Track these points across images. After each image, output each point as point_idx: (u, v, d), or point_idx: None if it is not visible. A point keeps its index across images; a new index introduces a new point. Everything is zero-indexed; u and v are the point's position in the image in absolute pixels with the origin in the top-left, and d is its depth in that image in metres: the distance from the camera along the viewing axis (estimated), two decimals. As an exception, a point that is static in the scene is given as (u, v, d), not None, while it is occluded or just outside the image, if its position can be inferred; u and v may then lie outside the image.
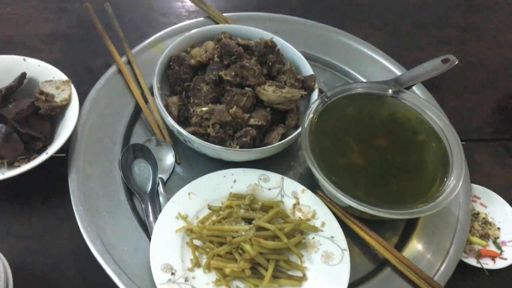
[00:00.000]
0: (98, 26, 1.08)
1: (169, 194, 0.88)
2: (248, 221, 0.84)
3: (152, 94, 0.96)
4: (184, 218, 0.84)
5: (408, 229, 0.92)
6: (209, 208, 0.87)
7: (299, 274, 0.82)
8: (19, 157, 0.87)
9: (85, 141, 0.93)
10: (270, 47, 0.99)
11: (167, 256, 0.79)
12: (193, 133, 0.90)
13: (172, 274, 0.77)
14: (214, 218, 0.85)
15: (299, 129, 0.90)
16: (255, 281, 0.79)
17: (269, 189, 0.90)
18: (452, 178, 0.85)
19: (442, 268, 0.86)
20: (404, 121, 0.95)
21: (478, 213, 0.96)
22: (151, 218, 0.86)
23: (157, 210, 0.87)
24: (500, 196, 0.96)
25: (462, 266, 0.88)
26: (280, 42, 1.03)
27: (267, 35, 1.02)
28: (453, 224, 0.91)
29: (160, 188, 0.91)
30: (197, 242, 0.82)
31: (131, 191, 0.90)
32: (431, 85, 1.12)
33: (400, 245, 0.90)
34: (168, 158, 0.95)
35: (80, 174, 0.88)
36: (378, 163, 0.89)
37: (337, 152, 0.90)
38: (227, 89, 0.94)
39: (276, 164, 0.96)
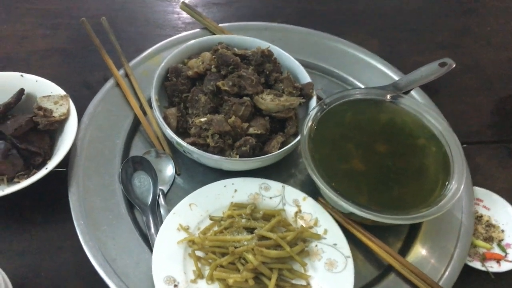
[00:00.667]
0: (95, 41, 1.08)
1: (170, 206, 0.88)
2: (250, 230, 0.84)
3: (151, 106, 0.96)
4: (186, 229, 0.84)
5: (411, 234, 0.91)
6: (211, 218, 0.86)
7: (303, 282, 0.81)
8: (19, 173, 0.87)
9: (84, 155, 0.92)
10: (267, 56, 0.99)
11: (170, 268, 0.79)
12: (193, 144, 0.90)
13: (175, 286, 0.77)
14: (215, 228, 0.85)
15: (299, 137, 0.90)
16: (258, 291, 0.78)
17: (270, 197, 0.90)
18: (453, 182, 0.84)
19: (447, 272, 0.85)
20: (404, 125, 0.95)
21: (481, 216, 0.96)
22: (152, 230, 0.85)
23: (158, 222, 0.87)
24: (503, 198, 0.95)
25: (467, 270, 0.87)
26: (277, 50, 1.03)
27: (264, 44, 1.02)
28: (456, 227, 0.91)
29: (161, 200, 0.90)
30: (199, 253, 0.82)
31: (132, 203, 0.90)
32: (429, 89, 1.12)
33: (404, 250, 0.89)
34: (168, 170, 0.95)
35: (80, 188, 0.88)
36: (379, 168, 0.89)
37: (337, 158, 0.89)
38: (225, 99, 0.94)
39: (277, 173, 0.96)
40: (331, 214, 0.88)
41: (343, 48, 1.19)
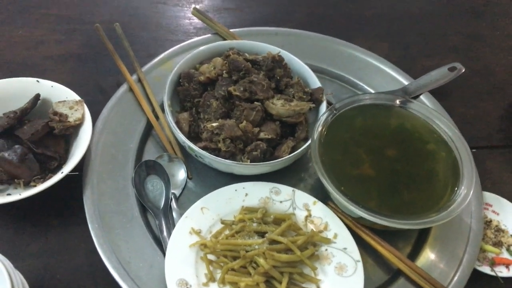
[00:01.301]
0: (109, 46, 1.10)
1: (182, 210, 0.89)
2: (261, 234, 0.85)
3: (163, 111, 0.97)
4: (198, 233, 0.85)
5: (420, 238, 0.92)
6: (222, 222, 0.88)
7: (313, 286, 0.82)
8: (35, 177, 0.89)
9: (98, 159, 0.94)
10: (278, 61, 1.00)
11: (182, 271, 0.80)
12: (204, 148, 0.91)
13: (187, 289, 0.78)
14: (227, 232, 0.86)
15: (309, 142, 0.91)
16: (269, 295, 0.80)
17: (281, 201, 0.91)
18: (462, 187, 0.85)
19: (456, 277, 0.86)
20: (413, 131, 0.95)
21: (490, 221, 0.96)
22: (165, 233, 0.87)
23: (171, 225, 0.88)
24: (512, 202, 0.96)
25: (476, 275, 0.88)
26: (287, 55, 1.04)
27: (274, 50, 1.04)
28: (465, 232, 0.91)
29: (173, 204, 0.92)
30: (211, 257, 0.83)
31: (145, 207, 0.91)
32: (438, 93, 1.13)
33: (413, 255, 0.90)
34: (180, 174, 0.97)
35: (95, 192, 0.90)
36: (389, 173, 0.90)
37: (347, 163, 0.90)
38: (236, 104, 0.95)
39: (287, 177, 0.97)
40: (341, 219, 0.89)
41: (353, 53, 1.20)
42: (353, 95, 1.00)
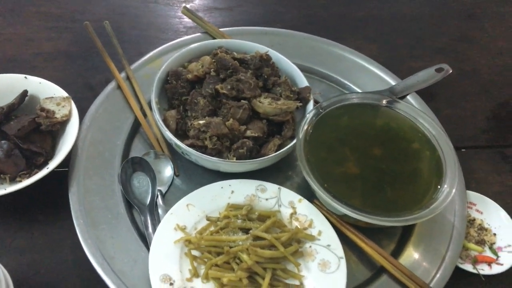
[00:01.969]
0: (98, 44, 1.11)
1: (168, 206, 0.89)
2: (246, 231, 0.86)
3: (151, 108, 0.98)
4: (183, 229, 0.85)
5: (404, 236, 0.93)
6: (207, 219, 0.88)
7: (296, 282, 0.82)
8: (21, 172, 0.89)
9: (85, 155, 0.95)
10: (265, 60, 1.01)
11: (166, 267, 0.81)
12: (191, 145, 0.92)
13: (171, 284, 0.79)
14: (212, 228, 0.87)
15: (295, 140, 0.91)
16: (252, 290, 0.80)
17: (266, 199, 0.92)
18: (445, 185, 0.86)
19: (438, 274, 0.86)
20: (399, 130, 0.96)
21: (474, 219, 0.97)
22: (150, 230, 0.87)
23: (156, 222, 0.89)
24: (496, 202, 0.97)
25: (458, 273, 0.88)
26: (275, 55, 1.05)
27: (262, 49, 1.04)
28: (448, 230, 0.92)
29: (159, 200, 0.92)
30: (195, 253, 0.84)
31: (131, 203, 0.92)
32: (426, 94, 1.14)
33: (397, 252, 0.90)
34: (167, 171, 0.97)
35: (81, 188, 0.90)
36: (373, 172, 0.90)
37: (333, 161, 0.91)
38: (223, 102, 0.96)
39: (274, 175, 0.97)
40: (325, 216, 0.90)
41: (341, 53, 1.21)
42: (340, 94, 1.01)
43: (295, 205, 0.91)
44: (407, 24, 1.41)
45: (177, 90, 1.00)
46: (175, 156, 0.99)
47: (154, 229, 0.86)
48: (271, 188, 0.93)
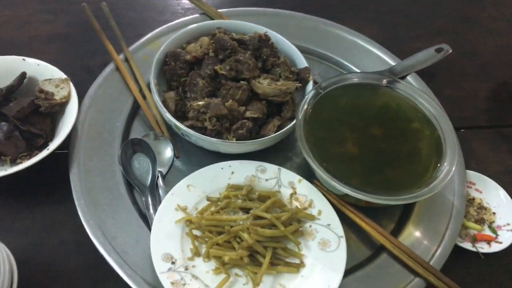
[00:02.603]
0: (96, 26, 1.10)
1: (168, 187, 0.89)
2: (246, 211, 0.86)
3: (150, 90, 0.97)
4: (184, 209, 0.86)
5: (404, 215, 0.93)
6: (208, 199, 0.88)
7: (297, 261, 0.83)
8: (21, 154, 0.89)
9: (85, 137, 0.94)
10: (264, 40, 1.00)
11: (167, 246, 0.81)
12: (190, 127, 0.91)
13: (173, 263, 0.79)
14: (212, 208, 0.87)
15: (295, 121, 0.91)
16: (253, 269, 0.81)
17: (266, 179, 0.92)
18: (445, 164, 0.86)
19: (438, 252, 0.87)
20: (398, 110, 0.96)
21: (473, 199, 0.97)
22: (151, 210, 0.87)
23: (157, 202, 0.89)
24: (495, 181, 0.97)
25: (457, 251, 0.89)
26: (274, 35, 1.04)
27: (261, 29, 1.04)
28: (448, 209, 0.92)
29: (160, 181, 0.93)
30: (196, 232, 0.84)
31: (131, 184, 0.92)
32: (426, 74, 1.14)
33: (396, 231, 0.91)
34: (167, 152, 0.97)
35: (81, 169, 0.90)
36: (373, 151, 0.90)
37: (332, 141, 0.91)
38: (222, 83, 0.95)
39: (273, 156, 0.98)
40: (325, 196, 0.90)
41: (341, 34, 1.20)
42: (340, 74, 1.01)
43: (295, 185, 0.91)
44: (407, 4, 1.39)
45: (176, 72, 0.99)
46: (175, 138, 0.99)
47: (155, 210, 0.87)
48: (271, 168, 0.93)
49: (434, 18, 1.36)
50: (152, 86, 0.94)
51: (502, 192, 0.95)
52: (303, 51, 1.06)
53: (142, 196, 0.90)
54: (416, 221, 0.92)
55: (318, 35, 1.19)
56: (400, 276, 0.85)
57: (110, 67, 1.05)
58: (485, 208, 0.96)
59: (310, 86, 0.99)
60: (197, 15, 1.20)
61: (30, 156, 0.89)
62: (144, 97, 1.03)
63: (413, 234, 0.90)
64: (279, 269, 0.81)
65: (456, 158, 0.86)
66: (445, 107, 1.03)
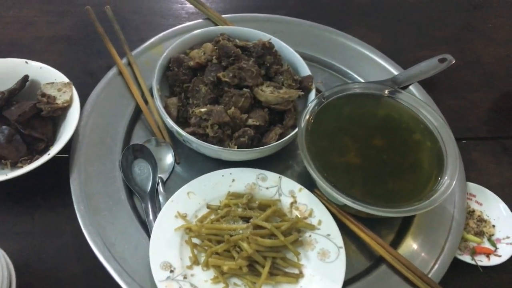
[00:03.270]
0: (99, 29, 1.10)
1: (169, 194, 0.89)
2: (246, 219, 0.86)
3: (152, 95, 0.97)
4: (183, 217, 0.86)
5: (403, 227, 0.93)
6: (208, 207, 0.88)
7: (296, 271, 0.83)
8: (22, 158, 0.89)
9: (86, 141, 0.94)
10: (268, 48, 1.00)
11: (166, 254, 0.81)
12: (192, 133, 0.91)
13: (171, 271, 0.79)
14: (212, 216, 0.87)
15: (297, 129, 0.91)
16: (252, 278, 0.81)
17: (267, 188, 0.92)
18: (446, 177, 0.86)
19: (437, 265, 0.87)
20: (400, 120, 0.96)
21: (473, 211, 0.97)
22: (151, 217, 0.87)
23: (157, 209, 0.89)
24: (496, 193, 0.97)
25: (456, 263, 0.89)
26: (278, 43, 1.04)
27: (265, 36, 1.03)
28: (448, 221, 0.92)
29: (160, 188, 0.93)
30: (195, 241, 0.84)
31: (132, 190, 0.92)
32: (428, 84, 1.14)
33: (396, 243, 0.91)
34: (168, 158, 0.97)
35: (82, 174, 0.90)
36: (374, 162, 0.90)
37: (334, 151, 0.91)
38: (225, 90, 0.95)
39: (274, 164, 0.97)
40: (326, 206, 0.90)
41: (344, 42, 1.20)
42: (342, 84, 1.00)
43: (296, 194, 0.91)
44: (411, 13, 1.39)
45: (178, 77, 0.99)
46: (176, 144, 0.99)
47: (155, 217, 0.87)
48: (272, 177, 0.93)
49: (437, 27, 1.36)
50: (155, 91, 0.94)
51: (502, 205, 0.95)
52: (306, 58, 1.06)
53: (142, 202, 0.90)
54: (416, 233, 0.92)
55: (322, 43, 1.19)
56: (399, 288, 0.85)
57: (112, 71, 1.05)
58: (485, 221, 0.96)
59: (312, 94, 0.99)
60: (201, 20, 1.20)
61: (31, 160, 0.88)
62: (146, 102, 1.03)
63: (412, 245, 0.90)
64: (278, 279, 0.81)
65: (457, 172, 0.86)
66: (446, 117, 1.03)
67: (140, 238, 0.85)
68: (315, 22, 1.23)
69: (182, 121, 0.97)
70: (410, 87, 1.11)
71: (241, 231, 0.82)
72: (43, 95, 0.93)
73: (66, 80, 0.97)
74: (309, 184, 0.92)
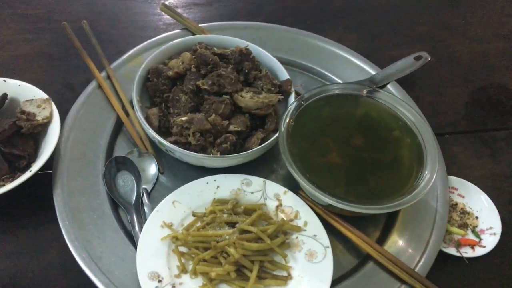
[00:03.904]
0: (76, 44, 1.10)
1: (154, 204, 0.89)
2: (232, 225, 0.86)
3: (133, 107, 0.97)
4: (169, 226, 0.86)
5: (388, 223, 0.94)
6: (193, 215, 0.88)
7: (284, 273, 0.84)
8: (4, 176, 0.89)
9: (68, 157, 0.94)
10: (245, 54, 1.01)
11: (154, 264, 0.81)
12: (174, 142, 0.92)
13: (159, 281, 0.79)
14: (198, 224, 0.87)
15: (278, 133, 0.92)
16: (241, 283, 0.81)
17: (252, 192, 0.92)
18: (426, 172, 0.87)
19: (423, 259, 0.88)
20: (379, 119, 0.97)
21: (456, 204, 0.99)
22: (136, 228, 0.87)
23: (143, 220, 0.89)
24: (477, 185, 0.99)
25: (442, 256, 0.90)
26: (255, 49, 1.05)
27: (242, 43, 1.04)
28: (431, 216, 0.94)
29: (145, 199, 0.92)
30: (182, 249, 0.84)
31: (116, 203, 0.92)
32: (406, 82, 1.15)
33: (382, 240, 0.92)
34: (151, 169, 0.97)
35: (65, 189, 0.90)
36: (356, 161, 0.91)
37: (315, 152, 0.92)
38: (205, 98, 0.96)
39: (259, 169, 0.98)
40: (311, 207, 0.91)
41: (321, 45, 1.21)
42: (321, 86, 1.01)
43: (281, 197, 0.92)
44: (386, 13, 1.42)
45: (158, 88, 1.00)
46: (159, 154, 0.99)
47: (141, 228, 0.87)
48: (256, 181, 0.93)
49: (413, 26, 1.38)
50: (135, 102, 0.95)
51: (484, 197, 0.97)
52: (285, 63, 1.07)
53: (127, 214, 0.90)
54: (401, 228, 0.93)
55: (299, 47, 1.20)
56: (387, 284, 0.86)
57: (92, 85, 1.05)
58: (468, 213, 0.97)
59: (292, 98, 1.00)
60: (179, 30, 1.20)
61: (13, 178, 0.88)
62: (127, 114, 1.04)
63: (398, 241, 0.91)
64: (266, 283, 0.81)
65: (437, 166, 0.87)
66: (426, 114, 1.05)
67: (126, 250, 0.85)
68: (292, 27, 1.24)
69: (164, 131, 0.98)
70: (389, 86, 1.13)
71: (227, 237, 0.82)
72: (23, 112, 0.93)
73: (45, 96, 0.96)
74: (294, 187, 0.93)
